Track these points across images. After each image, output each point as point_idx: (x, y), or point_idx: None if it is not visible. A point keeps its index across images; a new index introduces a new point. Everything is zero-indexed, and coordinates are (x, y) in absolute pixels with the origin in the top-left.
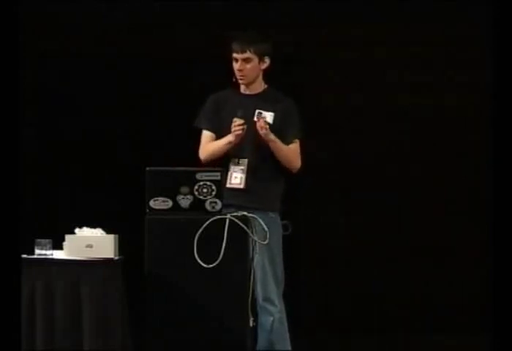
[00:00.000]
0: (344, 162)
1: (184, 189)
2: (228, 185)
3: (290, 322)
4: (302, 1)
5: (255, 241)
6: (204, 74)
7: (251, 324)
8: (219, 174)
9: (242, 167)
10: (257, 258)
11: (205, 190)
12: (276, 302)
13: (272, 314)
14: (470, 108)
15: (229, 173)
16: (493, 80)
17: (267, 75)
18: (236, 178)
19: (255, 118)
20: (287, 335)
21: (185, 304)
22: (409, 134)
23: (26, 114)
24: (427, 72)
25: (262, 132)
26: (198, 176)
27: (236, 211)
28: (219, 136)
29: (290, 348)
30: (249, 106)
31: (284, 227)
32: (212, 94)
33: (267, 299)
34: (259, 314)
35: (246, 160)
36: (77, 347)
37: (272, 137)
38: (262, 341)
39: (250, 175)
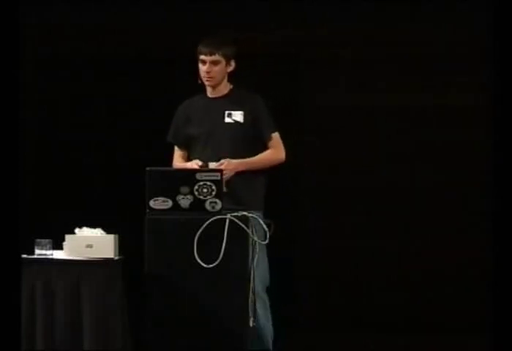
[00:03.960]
0: (344, 162)
1: (184, 189)
2: None
3: (288, 322)
4: (302, 1)
5: (255, 241)
6: None
7: (251, 324)
8: (219, 174)
9: None
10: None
11: (205, 190)
12: (264, 301)
13: (259, 313)
14: (470, 108)
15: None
16: (493, 80)
17: (233, 76)
18: None
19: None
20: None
21: (185, 304)
22: (410, 134)
23: (26, 114)
24: (427, 72)
25: (226, 176)
26: (198, 176)
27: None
28: (187, 148)
29: (271, 347)
30: (217, 108)
31: (267, 226)
32: (180, 104)
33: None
34: None
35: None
36: (77, 347)
37: (239, 165)
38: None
39: (231, 177)
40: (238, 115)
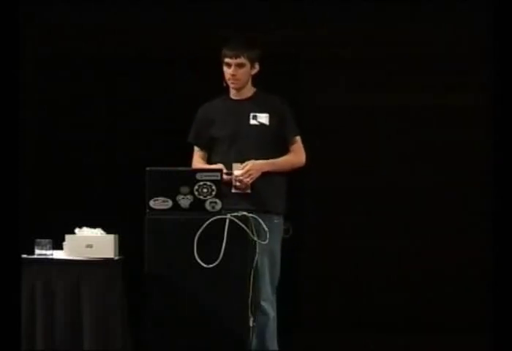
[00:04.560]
0: (344, 162)
1: (184, 189)
2: (233, 190)
3: (288, 322)
4: (302, 1)
5: (255, 241)
6: (205, 74)
7: (251, 324)
8: (219, 174)
9: None
10: (260, 259)
11: (205, 190)
12: (273, 302)
13: (269, 314)
14: (470, 108)
15: (233, 178)
16: (493, 80)
17: (257, 78)
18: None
19: (224, 176)
20: (276, 334)
21: (185, 304)
22: (410, 134)
23: (26, 114)
24: (427, 72)
25: (253, 176)
26: (198, 176)
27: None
28: (208, 149)
29: (277, 348)
30: (242, 110)
31: (285, 231)
32: (201, 106)
33: (264, 299)
34: (256, 313)
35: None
36: (77, 347)
37: (264, 166)
38: (255, 340)
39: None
40: (263, 118)
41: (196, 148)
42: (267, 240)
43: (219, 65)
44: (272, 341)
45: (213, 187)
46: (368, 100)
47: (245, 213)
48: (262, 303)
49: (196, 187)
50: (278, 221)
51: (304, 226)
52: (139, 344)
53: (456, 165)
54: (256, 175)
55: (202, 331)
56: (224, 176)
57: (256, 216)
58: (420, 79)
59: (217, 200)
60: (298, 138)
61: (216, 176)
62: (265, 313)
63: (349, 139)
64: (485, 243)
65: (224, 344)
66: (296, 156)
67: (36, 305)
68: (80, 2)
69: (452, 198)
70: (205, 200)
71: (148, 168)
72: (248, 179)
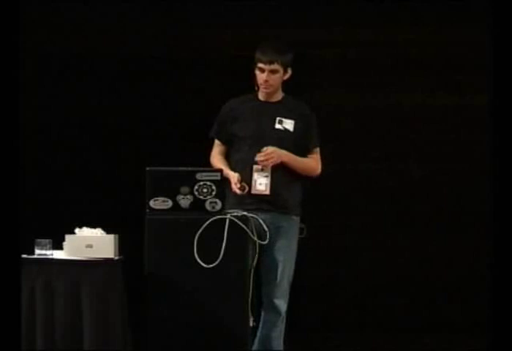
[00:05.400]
0: (343, 162)
1: (184, 189)
2: (253, 191)
3: (288, 322)
4: (303, 1)
5: (255, 241)
6: (205, 74)
7: (251, 324)
8: (219, 174)
9: (266, 174)
10: (271, 257)
11: (205, 190)
12: (286, 302)
13: (281, 312)
14: (470, 108)
15: (253, 180)
16: (493, 80)
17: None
18: (261, 184)
19: (237, 190)
20: (283, 335)
21: (185, 304)
22: (409, 134)
23: (26, 114)
24: (427, 72)
25: (273, 160)
26: (198, 176)
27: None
28: (229, 145)
29: (282, 348)
30: (269, 113)
31: (300, 230)
32: (228, 101)
33: (278, 297)
34: (268, 311)
35: (269, 167)
36: (77, 347)
37: (284, 155)
38: (261, 337)
39: (274, 180)
40: (288, 124)
41: (217, 142)
42: (267, 240)
43: (219, 65)
44: (278, 341)
45: (213, 187)
46: (368, 100)
47: (245, 213)
48: (276, 301)
49: (196, 187)
50: (296, 220)
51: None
52: (139, 344)
53: (456, 165)
54: (275, 160)
55: (202, 331)
56: (238, 191)
57: (256, 216)
58: (420, 79)
59: (217, 200)
60: (318, 149)
61: (216, 176)
62: (277, 311)
63: (349, 139)
64: (485, 243)
65: (224, 344)
66: (314, 163)
67: (36, 305)
68: (80, 2)
69: (452, 198)
70: (205, 200)
71: (148, 168)
72: (268, 162)
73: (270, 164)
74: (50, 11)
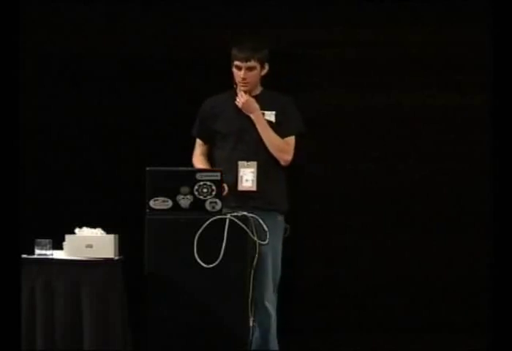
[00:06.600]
0: (344, 162)
1: (184, 189)
2: (240, 188)
3: (288, 322)
4: (303, 1)
5: (255, 241)
6: (205, 74)
7: (251, 324)
8: (219, 174)
9: (252, 170)
10: (263, 259)
11: (205, 190)
12: (274, 302)
13: (271, 314)
14: (470, 108)
15: (239, 176)
16: (493, 80)
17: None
18: (247, 180)
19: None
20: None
21: (185, 304)
22: (409, 134)
23: (26, 114)
24: (427, 72)
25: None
26: (198, 176)
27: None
28: (211, 144)
29: (277, 348)
30: None
31: (284, 230)
32: (207, 99)
33: (268, 299)
34: (257, 313)
35: (255, 162)
36: (77, 347)
37: (257, 111)
38: (257, 340)
39: (260, 176)
40: (270, 115)
41: (198, 142)
42: (267, 240)
43: (219, 65)
44: (274, 342)
45: (213, 187)
46: (367, 100)
47: (245, 213)
48: (266, 304)
49: (196, 187)
50: (281, 219)
51: (304, 226)
52: (139, 344)
53: (456, 165)
54: (251, 105)
55: (202, 331)
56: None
57: (257, 216)
58: (420, 79)
59: (217, 200)
60: (292, 138)
61: (216, 176)
62: (269, 314)
63: (349, 139)
64: (485, 243)
65: (224, 344)
66: (285, 145)
67: (36, 305)
68: (80, 2)
69: (452, 198)
70: (205, 200)
71: (148, 168)
72: (246, 104)
73: (243, 106)
74: (50, 11)
